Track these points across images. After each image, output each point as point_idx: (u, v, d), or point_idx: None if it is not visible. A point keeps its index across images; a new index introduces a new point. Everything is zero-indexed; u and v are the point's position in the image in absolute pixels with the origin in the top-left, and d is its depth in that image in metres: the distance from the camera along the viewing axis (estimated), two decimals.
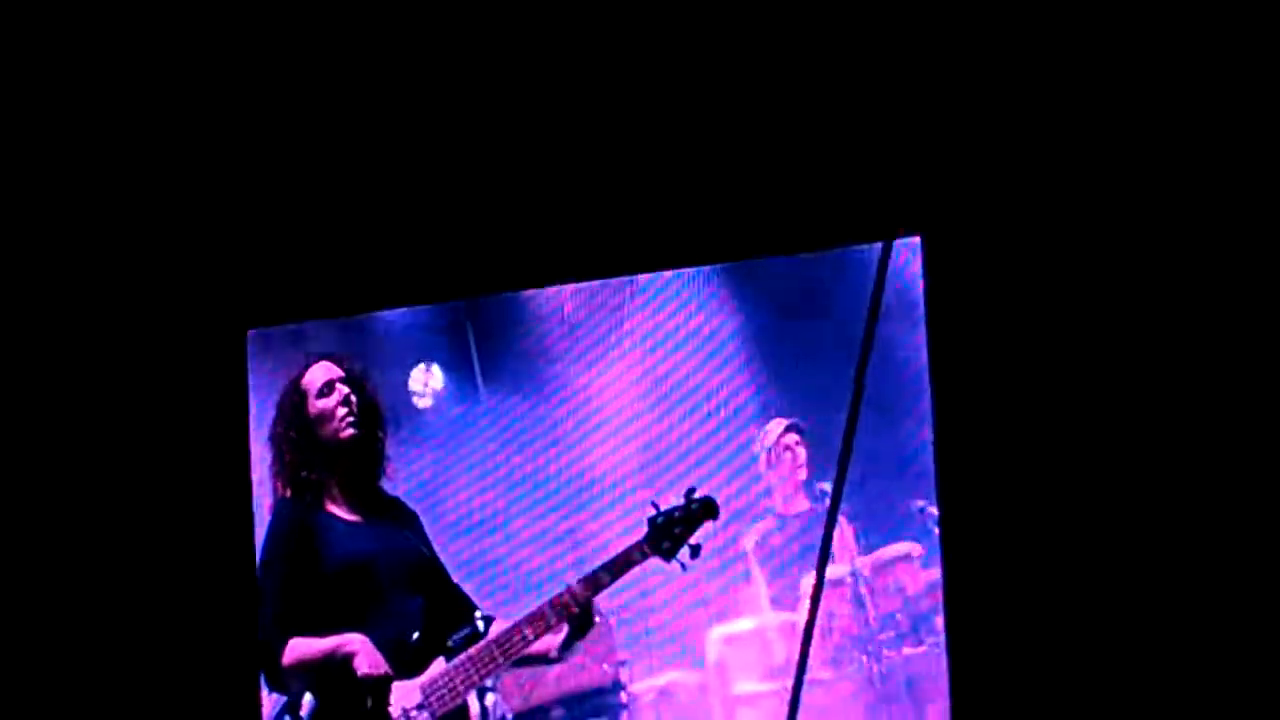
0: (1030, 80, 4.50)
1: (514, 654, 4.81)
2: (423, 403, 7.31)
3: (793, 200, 4.82)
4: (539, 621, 4.83)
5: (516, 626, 4.82)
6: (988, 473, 4.57)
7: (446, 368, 7.40)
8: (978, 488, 4.61)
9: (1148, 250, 4.39)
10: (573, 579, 4.99)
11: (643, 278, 6.46)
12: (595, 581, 4.91)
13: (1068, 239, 4.47)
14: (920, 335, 4.91)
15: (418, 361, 7.33)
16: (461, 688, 4.76)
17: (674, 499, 5.12)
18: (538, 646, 4.85)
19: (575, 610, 4.84)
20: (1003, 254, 4.53)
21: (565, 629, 4.86)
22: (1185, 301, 4.36)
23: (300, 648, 4.75)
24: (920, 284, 4.82)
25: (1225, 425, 4.31)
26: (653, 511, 5.07)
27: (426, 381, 7.40)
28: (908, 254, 5.07)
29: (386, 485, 5.11)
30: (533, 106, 4.97)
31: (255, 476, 5.20)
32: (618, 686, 6.05)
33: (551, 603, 4.85)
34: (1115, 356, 4.42)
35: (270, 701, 5.64)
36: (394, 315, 6.94)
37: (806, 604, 6.36)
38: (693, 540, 5.04)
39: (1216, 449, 4.31)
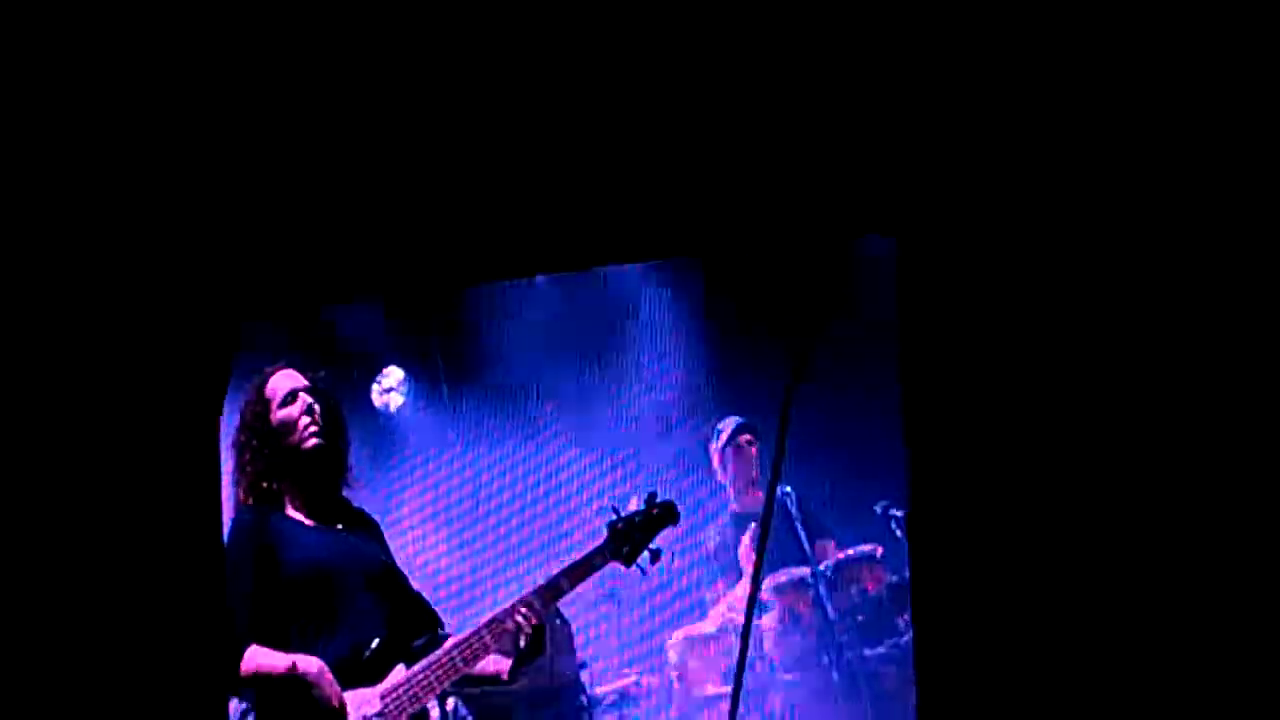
0: (1006, 82, 4.49)
1: (474, 659, 4.81)
2: (382, 400, 7.35)
3: (767, 200, 4.81)
4: (498, 627, 4.83)
5: (477, 632, 4.82)
6: (958, 475, 4.56)
7: (410, 370, 7.44)
8: (948, 490, 4.60)
9: (1126, 253, 4.39)
10: (534, 583, 5.02)
11: (606, 273, 6.49)
12: (555, 587, 4.91)
13: (1045, 241, 4.46)
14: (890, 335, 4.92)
15: (382, 366, 7.37)
16: (421, 695, 4.75)
17: (636, 503, 5.11)
18: (488, 667, 4.84)
19: (535, 620, 4.83)
20: (979, 256, 4.53)
21: (515, 652, 4.83)
22: (1163, 304, 4.36)
23: (258, 658, 4.68)
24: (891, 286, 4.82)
25: (1202, 429, 4.30)
26: (613, 516, 5.06)
27: (390, 386, 7.44)
28: (880, 253, 5.10)
29: (349, 494, 5.08)
30: (498, 99, 4.95)
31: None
32: (579, 688, 6.09)
33: (513, 608, 4.85)
34: (1089, 360, 4.42)
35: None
36: (358, 319, 6.97)
37: (768, 604, 6.43)
38: (653, 545, 5.04)
39: (1192, 454, 4.31)
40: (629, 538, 5.03)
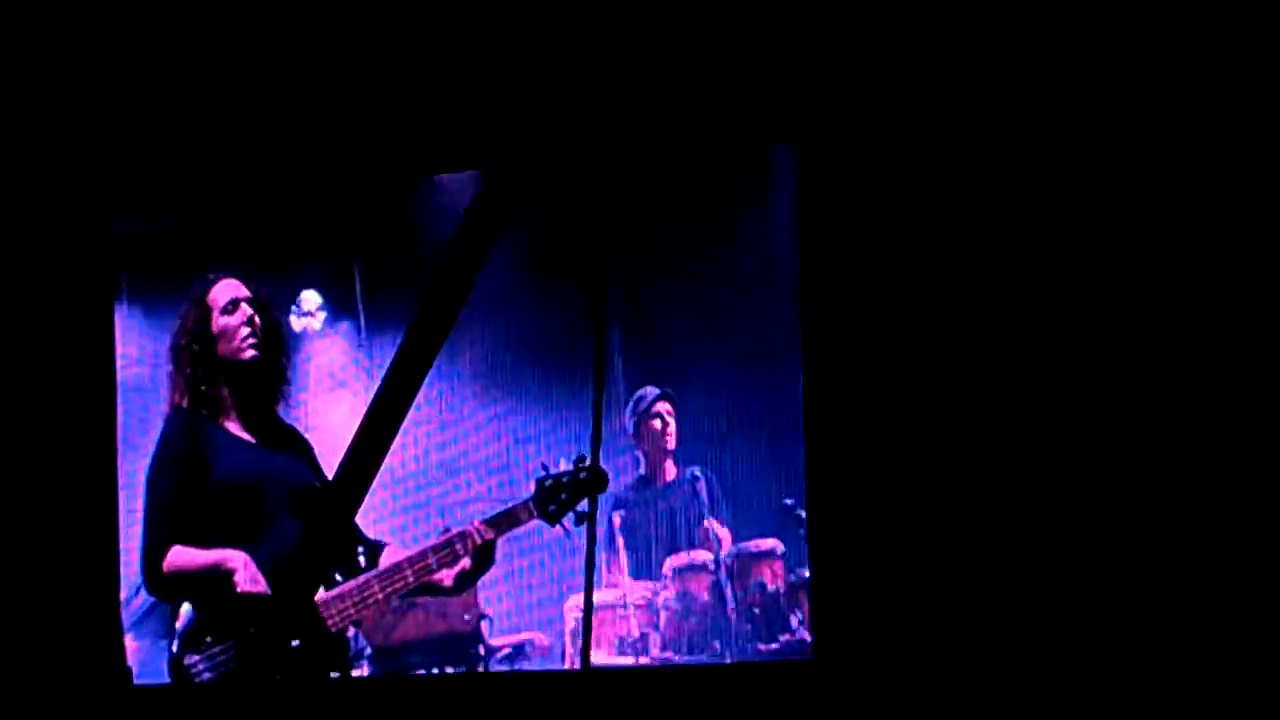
0: None
1: (395, 590, 4.84)
2: (300, 324, 7.30)
3: (666, 107, 4.75)
4: (420, 564, 4.85)
5: (398, 565, 4.84)
6: (859, 460, 4.54)
7: (329, 299, 7.40)
8: (848, 479, 4.59)
9: (1035, 174, 4.33)
10: (447, 522, 5.04)
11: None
12: (479, 534, 4.93)
13: (948, 152, 4.39)
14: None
15: (301, 290, 7.33)
16: (338, 618, 4.74)
17: (565, 464, 5.13)
18: (437, 576, 4.88)
19: (478, 546, 4.88)
20: (879, 166, 4.45)
21: (467, 564, 4.88)
22: (1071, 239, 4.29)
23: (182, 556, 4.72)
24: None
25: (1108, 385, 4.26)
26: (541, 473, 5.09)
27: (309, 310, 7.40)
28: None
29: (282, 411, 5.08)
30: None
31: (119, 362, 5.19)
32: (477, 638, 6.09)
33: (435, 547, 4.88)
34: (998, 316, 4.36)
35: (139, 599, 5.63)
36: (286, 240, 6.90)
37: (668, 579, 6.46)
38: (579, 508, 5.06)
39: (1107, 417, 4.26)
40: (555, 497, 5.06)
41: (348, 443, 4.22)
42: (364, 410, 7.11)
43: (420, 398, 5.10)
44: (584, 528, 5.00)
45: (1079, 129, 4.33)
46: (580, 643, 6.22)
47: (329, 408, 7.04)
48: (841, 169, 4.50)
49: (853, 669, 4.53)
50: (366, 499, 5.15)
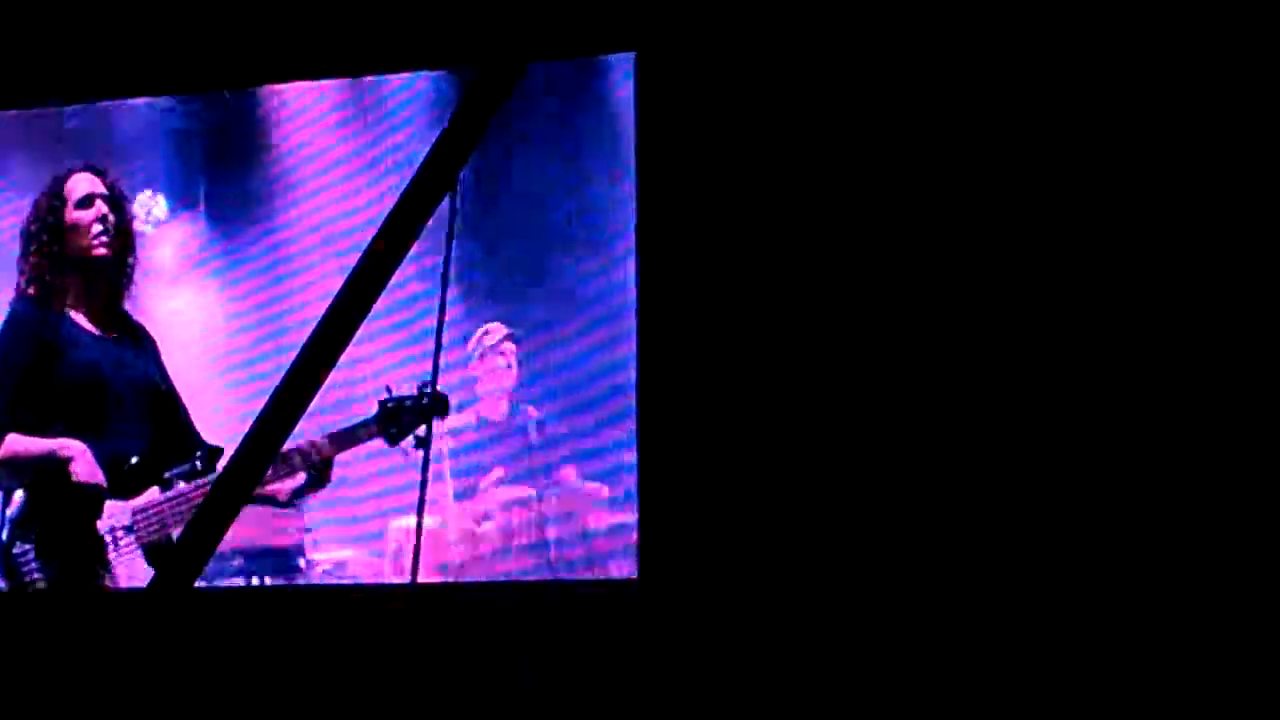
0: None
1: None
2: (144, 228, 7.19)
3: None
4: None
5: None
6: (692, 406, 4.53)
7: (171, 194, 7.29)
8: (680, 422, 4.57)
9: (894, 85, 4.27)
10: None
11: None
12: (318, 448, 4.94)
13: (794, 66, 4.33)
14: None
15: (143, 183, 7.22)
16: (171, 521, 4.74)
17: (409, 388, 5.16)
18: (272, 488, 4.88)
19: (315, 462, 4.89)
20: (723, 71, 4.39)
21: (303, 478, 4.88)
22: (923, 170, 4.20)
23: (18, 443, 4.71)
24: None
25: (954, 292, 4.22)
26: (385, 395, 5.11)
27: (150, 209, 7.30)
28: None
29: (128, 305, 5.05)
30: None
31: None
32: (299, 551, 6.08)
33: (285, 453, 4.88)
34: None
35: None
36: (133, 129, 6.80)
37: (492, 513, 6.47)
38: (419, 431, 5.10)
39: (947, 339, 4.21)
40: (397, 419, 5.10)
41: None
42: (203, 303, 7.06)
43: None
44: (421, 452, 5.03)
45: (933, 31, 4.25)
46: (401, 562, 6.26)
47: (168, 303, 6.96)
48: (683, 80, 4.42)
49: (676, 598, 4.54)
50: (203, 401, 5.18)
